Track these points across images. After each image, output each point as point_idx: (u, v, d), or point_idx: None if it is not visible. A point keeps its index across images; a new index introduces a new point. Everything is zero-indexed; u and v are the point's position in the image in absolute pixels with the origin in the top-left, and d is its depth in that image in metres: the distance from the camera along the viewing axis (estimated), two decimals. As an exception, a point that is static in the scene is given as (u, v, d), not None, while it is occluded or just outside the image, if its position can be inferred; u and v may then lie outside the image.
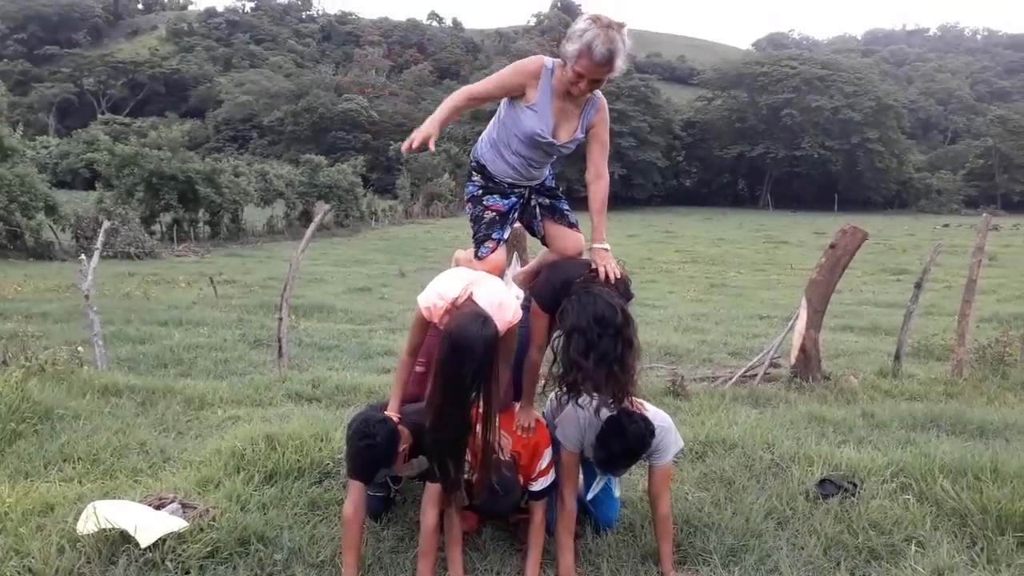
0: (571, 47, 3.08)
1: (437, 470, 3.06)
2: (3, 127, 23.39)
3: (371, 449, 3.04)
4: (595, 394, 3.02)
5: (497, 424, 3.12)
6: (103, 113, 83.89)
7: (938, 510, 3.65)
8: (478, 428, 3.07)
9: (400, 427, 3.16)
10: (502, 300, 3.11)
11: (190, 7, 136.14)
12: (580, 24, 3.08)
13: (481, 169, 3.51)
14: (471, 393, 2.91)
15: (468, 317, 2.94)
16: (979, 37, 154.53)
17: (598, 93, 3.29)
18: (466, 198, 3.61)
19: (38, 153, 51.18)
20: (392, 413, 3.23)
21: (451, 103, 3.35)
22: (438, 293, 3.09)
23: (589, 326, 2.93)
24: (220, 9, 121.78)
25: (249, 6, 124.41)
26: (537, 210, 3.60)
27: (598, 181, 3.40)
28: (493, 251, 3.46)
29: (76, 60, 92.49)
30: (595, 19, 3.05)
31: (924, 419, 5.37)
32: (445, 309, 3.05)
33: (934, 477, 3.89)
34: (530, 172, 3.47)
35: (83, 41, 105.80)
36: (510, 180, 3.47)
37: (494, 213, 3.48)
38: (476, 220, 3.52)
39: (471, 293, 3.06)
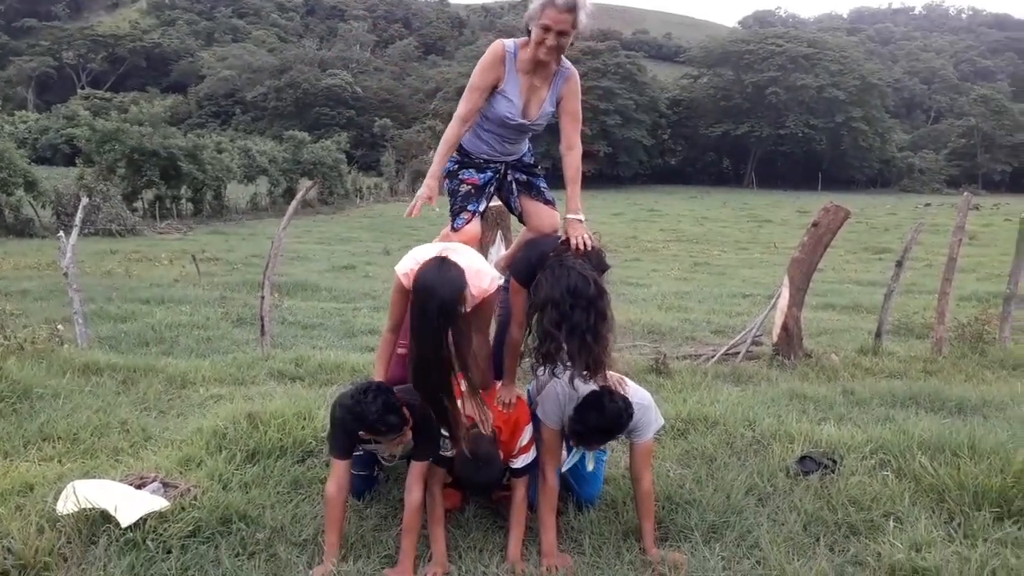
0: (534, 5, 3.16)
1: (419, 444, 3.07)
2: (-21, 102, 22.97)
3: (364, 407, 3.00)
4: (568, 365, 3.05)
5: (473, 377, 3.14)
6: (83, 88, 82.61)
7: (916, 486, 3.69)
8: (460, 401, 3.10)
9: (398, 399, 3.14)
10: (479, 267, 3.15)
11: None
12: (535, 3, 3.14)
13: (460, 149, 3.54)
14: (441, 334, 2.91)
15: (430, 261, 3.01)
16: (964, 16, 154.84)
17: (567, 65, 3.35)
18: (443, 174, 3.63)
19: (16, 128, 50.47)
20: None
21: (445, 146, 3.38)
22: (413, 260, 3.11)
23: (562, 297, 2.96)
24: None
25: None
26: (514, 186, 3.66)
27: (570, 152, 3.46)
28: (468, 222, 3.52)
29: (55, 33, 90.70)
30: None
31: (903, 396, 5.43)
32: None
33: (912, 453, 3.94)
34: (505, 148, 3.55)
35: (62, 14, 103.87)
36: (486, 156, 3.54)
37: (470, 187, 3.55)
38: (452, 193, 3.59)
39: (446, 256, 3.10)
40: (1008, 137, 70.16)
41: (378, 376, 3.29)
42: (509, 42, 3.31)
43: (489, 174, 3.59)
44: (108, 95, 71.49)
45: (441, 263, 2.98)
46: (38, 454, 4.02)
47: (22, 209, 22.96)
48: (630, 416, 3.20)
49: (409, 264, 3.13)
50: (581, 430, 3.19)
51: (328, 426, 3.30)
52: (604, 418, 3.14)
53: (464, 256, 3.15)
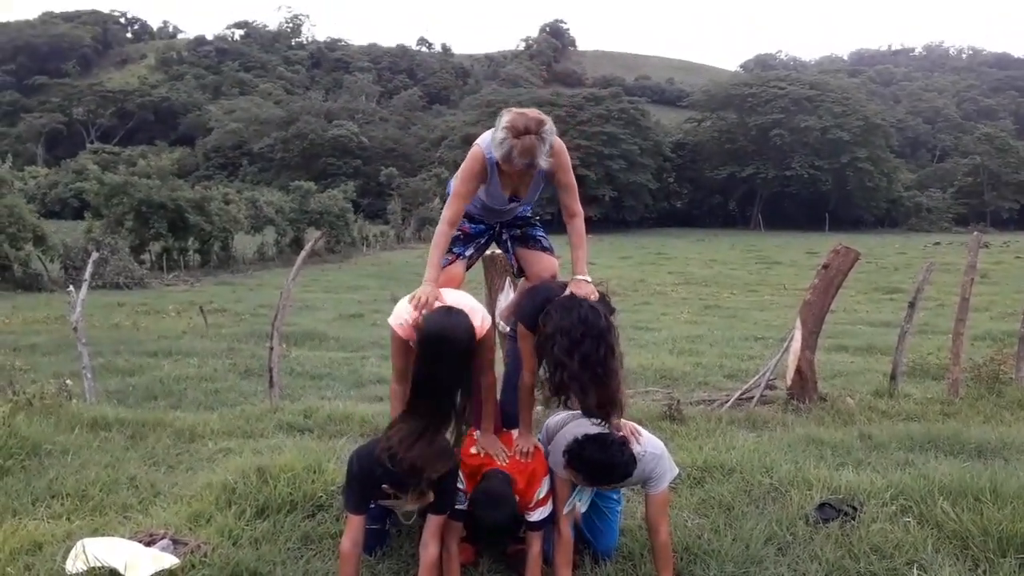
0: (496, 152, 3.21)
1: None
2: (-9, 158, 23.36)
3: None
4: (582, 395, 3.02)
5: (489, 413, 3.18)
6: (92, 142, 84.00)
7: (939, 533, 3.61)
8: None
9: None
10: (468, 306, 3.16)
11: (179, 36, 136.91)
12: (499, 133, 3.17)
13: None
14: (450, 389, 2.92)
15: (437, 311, 3.01)
16: (964, 56, 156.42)
17: (554, 142, 3.30)
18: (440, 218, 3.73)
19: (26, 184, 51.15)
20: None
21: (437, 251, 3.38)
22: (408, 310, 3.10)
23: (573, 326, 2.97)
24: (209, 37, 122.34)
25: (238, 34, 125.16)
26: (509, 244, 3.74)
27: (573, 219, 3.49)
28: (451, 263, 3.57)
29: (65, 90, 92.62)
30: (511, 127, 3.14)
31: (922, 440, 5.34)
32: (413, 324, 3.06)
33: (934, 499, 3.86)
34: (498, 217, 3.67)
35: (72, 71, 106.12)
36: (478, 216, 3.65)
37: (460, 233, 3.61)
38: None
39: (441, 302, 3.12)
40: (1014, 175, 70.46)
41: None
42: (487, 146, 3.32)
43: (483, 227, 3.68)
44: (117, 149, 72.66)
45: (448, 311, 2.98)
46: (47, 511, 3.97)
47: (31, 263, 23.15)
48: (630, 465, 3.14)
49: (403, 315, 3.12)
50: (576, 459, 3.11)
51: (344, 480, 3.25)
52: (603, 453, 3.07)
53: (453, 298, 3.18)
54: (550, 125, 3.19)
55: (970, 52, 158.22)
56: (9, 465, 4.48)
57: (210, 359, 9.76)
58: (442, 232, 3.37)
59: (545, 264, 3.66)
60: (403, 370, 3.23)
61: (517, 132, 3.12)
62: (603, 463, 3.09)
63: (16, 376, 6.61)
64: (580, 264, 3.42)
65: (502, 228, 3.73)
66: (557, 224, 3.64)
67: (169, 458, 5.05)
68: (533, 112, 3.20)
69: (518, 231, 3.72)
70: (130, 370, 8.88)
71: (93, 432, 5.40)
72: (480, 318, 3.14)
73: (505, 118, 3.17)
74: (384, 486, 3.02)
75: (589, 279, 3.35)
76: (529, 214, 3.79)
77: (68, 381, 6.48)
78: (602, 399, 3.03)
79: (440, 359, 2.88)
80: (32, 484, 4.29)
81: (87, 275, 7.17)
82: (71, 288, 7.06)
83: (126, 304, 16.94)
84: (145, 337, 11.82)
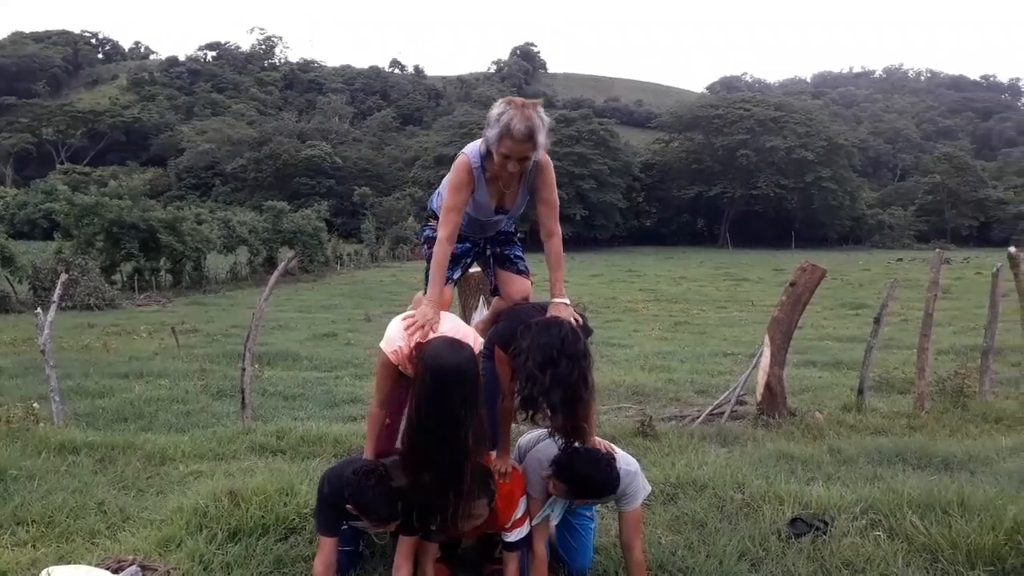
0: (492, 132, 3.17)
1: (410, 520, 3.01)
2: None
3: (363, 493, 2.95)
4: (551, 414, 3.03)
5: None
6: (62, 163, 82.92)
7: (909, 546, 3.67)
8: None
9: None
10: (460, 331, 3.17)
11: (151, 57, 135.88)
12: (496, 109, 3.18)
13: (438, 217, 3.60)
14: (462, 422, 2.87)
15: (445, 344, 2.95)
16: (923, 78, 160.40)
17: (541, 156, 3.33)
18: (422, 240, 3.72)
19: (-7, 204, 50.27)
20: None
21: (438, 269, 3.33)
22: (402, 336, 3.09)
23: (550, 343, 2.97)
24: (182, 58, 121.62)
25: (211, 55, 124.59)
26: (491, 260, 3.76)
27: (550, 239, 3.49)
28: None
29: (35, 110, 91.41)
30: (509, 102, 3.16)
31: (890, 453, 5.43)
32: (411, 350, 3.04)
33: (903, 512, 3.92)
34: (483, 231, 3.65)
35: (42, 91, 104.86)
36: (464, 232, 3.59)
37: None
38: (428, 260, 3.59)
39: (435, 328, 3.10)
40: (972, 193, 72.11)
41: (368, 452, 3.25)
42: (474, 154, 3.32)
43: (468, 245, 3.67)
44: (87, 170, 71.87)
45: (450, 343, 2.94)
46: (11, 539, 3.88)
47: (-2, 285, 22.72)
48: (617, 481, 3.18)
49: (397, 341, 3.10)
50: (566, 471, 3.13)
51: (316, 502, 3.23)
52: (594, 468, 3.11)
53: (448, 325, 3.18)
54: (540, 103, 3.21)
55: (928, 75, 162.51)
56: (-27, 491, 4.39)
57: (182, 380, 9.63)
58: (443, 251, 3.32)
59: (518, 287, 3.68)
60: (386, 395, 3.21)
61: (516, 105, 3.13)
62: (593, 477, 3.12)
63: (-20, 400, 6.47)
64: (558, 285, 3.42)
65: (486, 243, 3.72)
66: (532, 242, 3.66)
67: (139, 482, 4.97)
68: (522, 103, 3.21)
69: (500, 248, 3.73)
70: (100, 392, 8.72)
71: (61, 456, 5.29)
72: (473, 341, 3.15)
73: (500, 100, 3.19)
74: (349, 508, 3.01)
75: (568, 301, 3.36)
76: (513, 229, 3.80)
77: (35, 404, 6.35)
78: (569, 422, 3.04)
79: (445, 394, 2.82)
80: (-2, 510, 4.20)
81: (55, 297, 7.06)
82: (39, 310, 6.94)
83: (96, 325, 16.66)
84: (115, 359, 11.62)
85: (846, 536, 3.78)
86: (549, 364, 2.95)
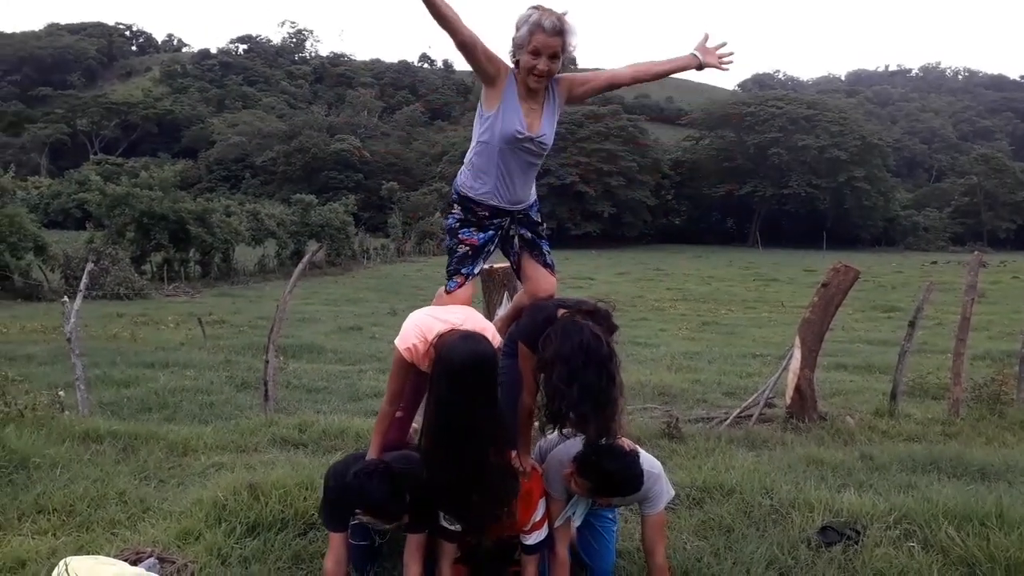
0: (521, 32, 3.22)
1: (421, 517, 2.94)
2: (-7, 167, 23.38)
3: (369, 490, 2.89)
4: (581, 424, 2.95)
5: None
6: (96, 153, 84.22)
7: (944, 558, 3.54)
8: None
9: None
10: (478, 325, 3.08)
11: (184, 49, 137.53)
12: (524, 13, 3.24)
13: (462, 201, 3.49)
14: (482, 418, 2.81)
15: (462, 339, 2.88)
16: (960, 77, 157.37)
17: (555, 77, 3.35)
18: (444, 228, 3.62)
19: (29, 193, 51.21)
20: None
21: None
22: (417, 333, 3.02)
23: (573, 353, 2.88)
24: (214, 51, 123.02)
25: (242, 48, 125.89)
26: (516, 241, 3.61)
27: (619, 70, 3.57)
28: (460, 286, 3.48)
29: (70, 101, 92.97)
30: (536, 7, 3.22)
31: (924, 461, 5.27)
32: (430, 347, 2.97)
33: (938, 523, 3.79)
34: (513, 189, 3.45)
35: (77, 83, 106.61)
36: (494, 203, 3.43)
37: (467, 247, 3.49)
38: (450, 252, 3.54)
39: (451, 324, 3.02)
40: (1011, 195, 70.70)
41: (373, 450, 3.19)
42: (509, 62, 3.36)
43: (491, 232, 3.51)
44: (120, 161, 72.81)
45: (467, 336, 2.87)
46: (32, 527, 3.89)
47: (31, 273, 23.10)
48: (641, 477, 3.09)
49: (411, 338, 3.02)
50: (590, 467, 3.04)
51: (321, 499, 3.19)
52: (618, 463, 3.02)
53: (462, 315, 3.11)
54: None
55: (966, 73, 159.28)
56: (-3, 478, 4.41)
57: (207, 371, 9.69)
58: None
59: (544, 283, 3.58)
60: (398, 392, 3.16)
61: (543, 7, 3.19)
62: (617, 473, 3.03)
63: (9, 387, 6.52)
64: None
65: (512, 224, 3.58)
66: (557, 239, 3.57)
67: (160, 472, 4.98)
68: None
69: (528, 232, 3.60)
70: (125, 381, 8.80)
71: (84, 445, 5.32)
72: (491, 336, 3.08)
73: (527, 7, 3.25)
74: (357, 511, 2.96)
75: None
76: (539, 219, 3.70)
77: (61, 392, 6.41)
78: (600, 429, 2.96)
79: (462, 388, 2.76)
80: (19, 498, 4.21)
81: (82, 286, 7.12)
82: (66, 299, 7.00)
83: (125, 315, 16.87)
84: (142, 348, 11.74)
85: (879, 546, 3.65)
86: (575, 375, 2.85)
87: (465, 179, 3.49)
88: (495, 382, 2.87)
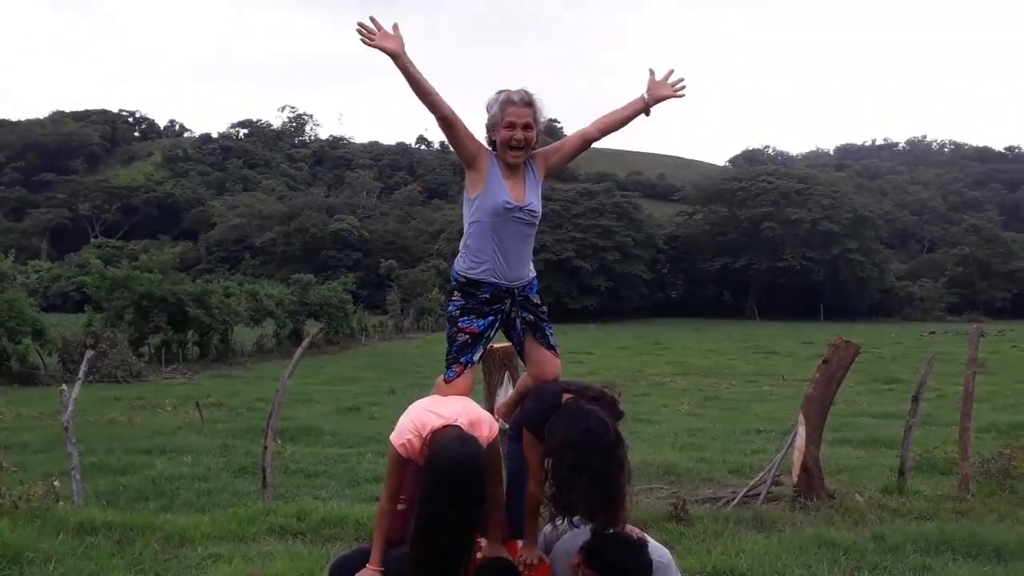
0: (493, 111, 3.44)
1: None
2: (-6, 253, 23.53)
3: None
4: (589, 516, 2.90)
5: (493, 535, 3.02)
6: (96, 236, 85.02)
7: (965, 646, 3.43)
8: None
9: None
10: (474, 417, 3.05)
11: (186, 134, 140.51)
12: (491, 96, 3.48)
13: (462, 287, 3.53)
14: (463, 523, 2.75)
15: (449, 439, 2.85)
16: (946, 150, 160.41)
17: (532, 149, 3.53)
18: (446, 315, 3.68)
19: (28, 277, 51.43)
20: (375, 567, 3.05)
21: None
22: (412, 428, 2.99)
23: (580, 441, 2.85)
24: (215, 135, 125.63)
25: (243, 132, 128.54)
26: (518, 324, 3.63)
27: (587, 129, 3.68)
28: (459, 375, 3.49)
29: (72, 186, 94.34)
30: (500, 90, 3.48)
31: (938, 541, 5.16)
32: (424, 443, 2.95)
33: (956, 608, 3.69)
34: (512, 264, 3.49)
35: (80, 168, 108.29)
36: (494, 280, 3.47)
37: (467, 336, 3.51)
38: (450, 340, 3.57)
39: (445, 418, 2.99)
40: (1004, 264, 71.23)
41: (376, 549, 3.12)
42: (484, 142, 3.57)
43: (491, 319, 3.53)
44: (120, 243, 73.42)
45: (457, 439, 2.84)
46: (23, 628, 3.78)
47: (29, 357, 22.97)
48: (650, 568, 3.02)
49: (406, 434, 3.00)
50: (596, 558, 2.96)
51: None
52: (626, 554, 2.94)
53: (458, 407, 3.08)
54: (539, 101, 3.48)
55: (952, 146, 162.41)
56: (-12, 575, 4.30)
57: (204, 456, 9.54)
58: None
59: (550, 366, 3.60)
60: (395, 489, 3.12)
61: (509, 98, 3.43)
62: (624, 564, 2.96)
63: (3, 476, 6.41)
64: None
65: (513, 306, 3.58)
66: (555, 313, 3.59)
67: (157, 565, 4.85)
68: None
69: (530, 315, 3.62)
70: (122, 469, 8.65)
71: (79, 537, 5.19)
72: (488, 427, 3.06)
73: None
74: None
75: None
76: (538, 300, 3.71)
77: (56, 482, 6.29)
78: (610, 518, 2.92)
79: (455, 496, 2.74)
80: (11, 596, 4.10)
81: (81, 373, 7.08)
82: (64, 387, 6.95)
83: (122, 398, 16.71)
84: (140, 433, 11.59)
85: (897, 634, 3.55)
86: (583, 465, 2.82)
87: (463, 262, 3.55)
88: (483, 485, 2.84)
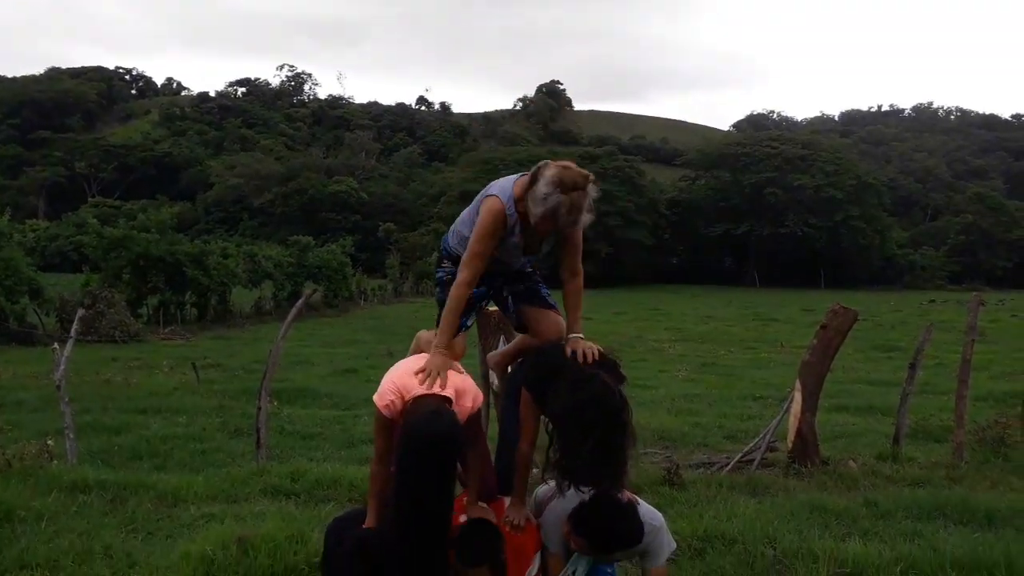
0: (536, 209, 3.05)
1: None
2: (-10, 211, 23.40)
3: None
4: (592, 483, 2.87)
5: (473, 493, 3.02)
6: (93, 196, 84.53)
7: (954, 612, 3.43)
8: None
9: None
10: (460, 387, 2.99)
11: (183, 92, 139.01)
12: (543, 188, 3.02)
13: (452, 258, 3.46)
14: (434, 496, 2.73)
15: (424, 414, 2.80)
16: (952, 117, 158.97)
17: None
18: (435, 282, 3.58)
19: (26, 236, 51.25)
20: (370, 527, 3.04)
21: (453, 316, 3.24)
22: (394, 389, 2.95)
23: (586, 406, 2.80)
24: (212, 94, 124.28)
25: (241, 91, 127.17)
26: (510, 300, 3.57)
27: (574, 278, 3.37)
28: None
29: (68, 144, 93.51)
30: (559, 183, 3.00)
31: (929, 507, 5.17)
32: (405, 406, 2.91)
33: (946, 573, 3.73)
34: (500, 267, 3.46)
35: (76, 126, 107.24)
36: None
37: None
38: (440, 304, 3.47)
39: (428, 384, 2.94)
40: (1006, 233, 71.08)
41: (372, 512, 3.10)
42: (507, 198, 3.21)
43: (483, 290, 3.47)
44: (118, 203, 73.05)
45: (440, 417, 2.79)
46: (13, 585, 3.78)
47: (27, 316, 22.98)
48: (641, 529, 3.00)
49: (389, 395, 2.96)
50: (584, 523, 2.95)
51: (322, 554, 3.10)
52: (615, 516, 2.92)
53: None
54: (593, 179, 3.08)
55: (959, 113, 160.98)
56: (-21, 533, 4.30)
57: (199, 417, 9.56)
58: (460, 296, 3.20)
59: (552, 323, 3.50)
60: (384, 451, 3.08)
61: (566, 187, 2.99)
62: (615, 526, 2.93)
63: (-3, 435, 6.42)
64: (577, 324, 3.32)
65: (503, 284, 3.55)
66: (554, 280, 3.51)
67: (149, 524, 4.86)
68: (577, 167, 3.09)
69: (521, 287, 3.56)
70: (117, 428, 8.67)
71: (71, 496, 5.19)
72: (471, 398, 3.01)
73: (550, 172, 3.01)
74: None
75: (582, 336, 3.26)
76: (530, 268, 3.66)
77: (50, 441, 6.29)
78: (614, 482, 2.88)
79: (417, 466, 2.71)
80: (2, 554, 4.09)
81: (73, 332, 7.04)
82: (56, 345, 6.92)
83: (119, 359, 16.73)
84: (135, 393, 11.61)
85: (886, 600, 3.55)
86: (589, 430, 2.77)
87: (456, 244, 3.46)
88: (453, 462, 2.81)
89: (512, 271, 3.54)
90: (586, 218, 3.08)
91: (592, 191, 3.06)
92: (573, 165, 3.08)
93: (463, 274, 3.23)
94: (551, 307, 3.56)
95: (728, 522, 4.63)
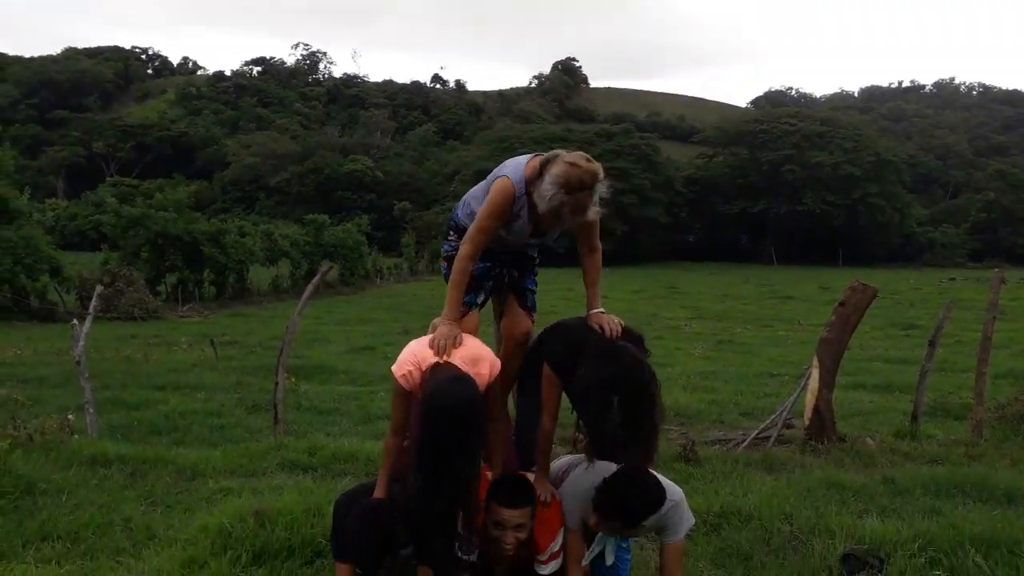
0: (541, 205, 3.03)
1: (422, 549, 2.87)
2: (10, 190, 23.59)
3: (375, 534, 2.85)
4: (625, 456, 2.86)
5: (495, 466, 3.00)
6: (111, 175, 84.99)
7: (972, 588, 3.41)
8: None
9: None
10: (476, 354, 3.01)
11: (199, 72, 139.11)
12: (548, 186, 2.97)
13: (460, 230, 3.44)
14: (458, 462, 2.74)
15: (445, 380, 2.82)
16: (974, 93, 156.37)
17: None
18: (442, 256, 3.58)
19: (45, 215, 51.73)
20: (380, 498, 3.05)
21: (457, 289, 3.24)
22: (412, 360, 2.96)
23: (615, 380, 2.79)
24: (228, 73, 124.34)
25: (256, 70, 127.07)
26: (506, 279, 3.58)
27: (592, 254, 3.37)
28: (465, 315, 3.38)
29: (86, 124, 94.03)
30: (564, 183, 2.94)
31: (948, 484, 5.13)
32: (424, 376, 2.91)
33: (965, 551, 3.67)
34: (506, 248, 3.47)
35: (93, 105, 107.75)
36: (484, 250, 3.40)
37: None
38: (447, 279, 3.45)
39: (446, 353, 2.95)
40: (1028, 211, 70.09)
41: (380, 486, 3.11)
42: (518, 179, 3.15)
43: (487, 264, 3.47)
44: (135, 182, 73.37)
45: (462, 383, 2.80)
46: (36, 555, 3.84)
47: (47, 294, 23.25)
48: (662, 500, 2.98)
49: (407, 366, 2.97)
50: (607, 500, 2.93)
51: (332, 526, 3.12)
52: (636, 489, 2.89)
53: (461, 348, 3.04)
54: (603, 176, 3.01)
55: (981, 89, 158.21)
56: (1, 505, 4.36)
57: (218, 393, 9.65)
58: (463, 268, 3.21)
59: (520, 324, 3.53)
60: (401, 423, 3.09)
61: (571, 188, 2.94)
62: (636, 499, 2.90)
63: (20, 410, 6.50)
64: (596, 299, 3.31)
65: (504, 265, 3.55)
66: (570, 258, 3.50)
67: (168, 497, 4.92)
68: (586, 163, 2.98)
69: (516, 273, 3.58)
70: (136, 404, 8.76)
71: (92, 469, 5.27)
72: (488, 366, 3.01)
73: (556, 170, 2.94)
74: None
75: (603, 311, 3.24)
76: (534, 253, 3.64)
77: (71, 416, 6.37)
78: (644, 456, 2.86)
79: (439, 432, 2.71)
80: (24, 525, 4.16)
81: (92, 308, 7.10)
82: (75, 322, 6.98)
83: (139, 336, 16.91)
84: (155, 370, 11.73)
85: (903, 575, 3.53)
86: (619, 404, 2.75)
87: (465, 218, 3.44)
88: (478, 425, 2.81)
89: (515, 253, 3.53)
90: (593, 212, 3.05)
91: (600, 188, 3.01)
92: (584, 161, 3.00)
93: (465, 247, 3.23)
94: (527, 308, 3.58)
95: (744, 498, 4.62)
